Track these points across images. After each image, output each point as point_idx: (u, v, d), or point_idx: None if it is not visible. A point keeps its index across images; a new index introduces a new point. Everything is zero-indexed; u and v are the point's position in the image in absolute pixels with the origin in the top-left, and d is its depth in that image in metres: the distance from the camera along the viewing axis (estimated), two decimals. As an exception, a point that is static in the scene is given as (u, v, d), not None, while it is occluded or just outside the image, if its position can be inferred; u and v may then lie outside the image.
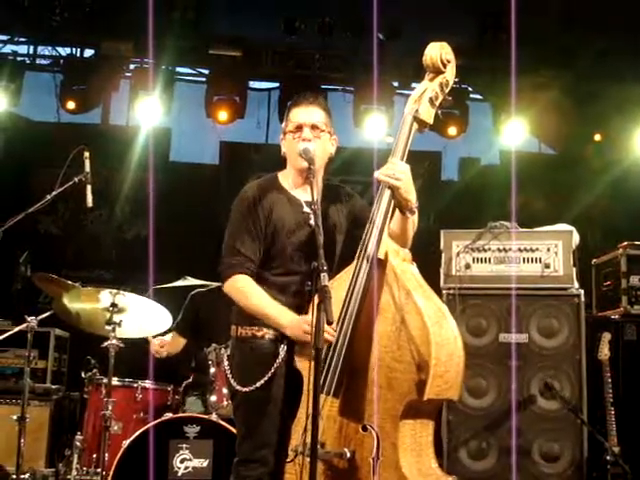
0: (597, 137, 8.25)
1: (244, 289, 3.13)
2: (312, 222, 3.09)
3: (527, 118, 7.81)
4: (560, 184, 8.64)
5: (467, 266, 4.93)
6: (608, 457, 4.56)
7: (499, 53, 6.71)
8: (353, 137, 8.14)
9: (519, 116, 7.72)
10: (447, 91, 3.11)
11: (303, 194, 3.23)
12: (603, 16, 6.88)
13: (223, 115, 7.64)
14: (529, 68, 7.36)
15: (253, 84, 8.06)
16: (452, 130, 7.87)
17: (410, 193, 3.02)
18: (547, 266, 4.84)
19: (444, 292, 4.85)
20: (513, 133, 7.86)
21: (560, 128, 8.28)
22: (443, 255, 4.98)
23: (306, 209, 3.19)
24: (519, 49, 6.03)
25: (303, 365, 3.02)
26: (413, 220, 3.09)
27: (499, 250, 4.93)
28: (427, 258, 5.06)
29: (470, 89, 8.27)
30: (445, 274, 4.94)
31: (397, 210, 3.05)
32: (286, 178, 3.29)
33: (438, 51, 3.04)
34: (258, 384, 3.06)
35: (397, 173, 2.98)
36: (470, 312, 4.85)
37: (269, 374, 3.07)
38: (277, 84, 7.95)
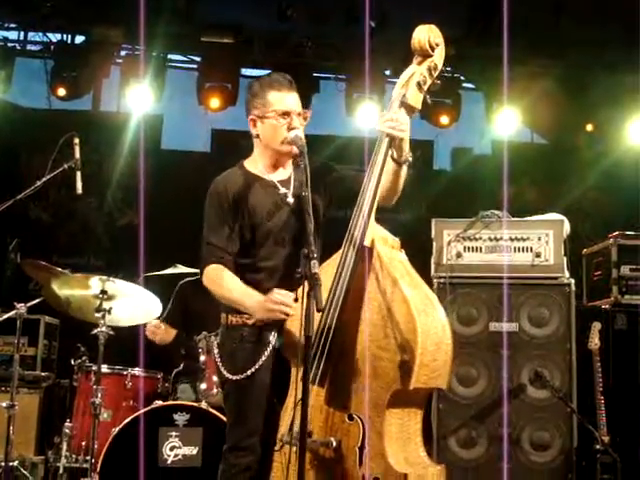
0: (589, 127, 8.24)
1: (216, 280, 3.14)
2: (289, 200, 3.16)
3: (519, 108, 7.80)
4: (552, 174, 8.65)
5: (458, 255, 4.93)
6: (597, 446, 4.58)
7: (491, 42, 6.69)
8: (345, 126, 8.13)
9: (511, 106, 7.71)
10: (436, 75, 3.03)
11: (275, 175, 3.24)
12: (596, 6, 6.87)
13: (215, 102, 7.61)
14: (522, 57, 7.35)
15: (245, 71, 8.01)
16: (444, 119, 7.86)
17: (407, 141, 3.00)
18: (538, 255, 4.84)
19: (435, 281, 4.85)
20: (505, 123, 7.85)
21: (552, 118, 8.27)
22: (434, 244, 4.98)
23: (282, 189, 3.20)
24: (511, 38, 6.01)
25: (292, 353, 3.01)
26: (404, 170, 3.07)
27: (490, 239, 4.93)
28: (418, 246, 5.10)
29: (462, 78, 8.24)
30: (436, 263, 4.94)
31: (391, 164, 3.01)
32: (254, 163, 3.27)
33: (426, 34, 2.98)
34: (249, 372, 3.06)
35: (401, 124, 2.95)
36: (461, 301, 4.85)
37: (259, 362, 3.06)
38: (269, 72, 7.90)
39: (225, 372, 3.14)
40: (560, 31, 7.30)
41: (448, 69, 7.81)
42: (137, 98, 7.51)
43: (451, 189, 8.50)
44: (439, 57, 3.05)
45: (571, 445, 4.68)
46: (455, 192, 8.41)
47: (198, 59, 8.09)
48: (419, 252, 5.03)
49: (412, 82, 3.00)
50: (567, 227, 4.93)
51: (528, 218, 5.02)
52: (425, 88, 3.03)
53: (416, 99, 3.02)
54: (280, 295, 2.99)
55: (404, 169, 3.06)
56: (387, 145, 2.96)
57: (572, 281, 4.83)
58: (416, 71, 3.02)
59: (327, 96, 8.06)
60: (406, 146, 3.01)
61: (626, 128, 7.76)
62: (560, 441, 4.69)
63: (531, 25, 7.10)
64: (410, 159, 3.04)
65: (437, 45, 3.02)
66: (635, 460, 4.68)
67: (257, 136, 3.23)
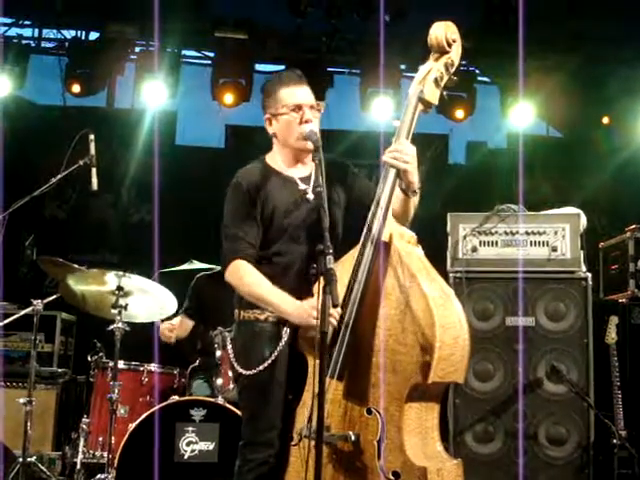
0: (605, 120, 8.21)
1: (245, 277, 3.11)
2: (309, 197, 3.15)
3: (535, 101, 7.77)
4: (568, 167, 8.61)
5: (474, 249, 4.90)
6: (615, 441, 4.56)
7: (507, 35, 6.65)
8: (360, 120, 8.11)
9: (527, 99, 7.68)
10: (452, 71, 3.05)
11: (296, 172, 3.23)
12: (612, 0, 6.83)
13: (229, 98, 7.61)
14: (537, 51, 7.31)
15: (259, 67, 8.01)
16: (459, 113, 7.83)
17: (415, 175, 3.01)
18: (554, 249, 4.81)
19: (450, 275, 4.83)
20: (521, 116, 7.82)
21: (568, 111, 8.23)
22: (450, 238, 4.96)
23: (302, 186, 3.19)
24: (527, 32, 5.98)
25: (307, 348, 3.01)
26: (414, 201, 3.08)
27: (506, 233, 4.90)
28: (433, 241, 5.09)
29: (477, 72, 8.21)
30: (452, 257, 4.92)
31: (399, 191, 3.02)
32: (275, 159, 3.26)
33: (443, 30, 2.99)
34: (262, 367, 3.06)
35: (404, 155, 2.96)
36: (477, 295, 4.83)
37: (272, 357, 3.06)
38: (283, 67, 7.91)
39: (239, 367, 3.13)
40: (576, 25, 7.27)
41: (463, 63, 7.78)
42: (151, 94, 7.53)
43: (466, 183, 8.48)
44: (456, 53, 3.06)
45: (588, 440, 4.65)
46: (470, 186, 8.39)
47: (212, 55, 8.10)
48: (435, 246, 5.03)
49: (429, 78, 3.02)
50: (584, 221, 4.90)
51: (544, 212, 5.00)
52: (442, 84, 3.05)
53: (433, 95, 3.03)
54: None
55: (413, 200, 3.07)
56: (395, 174, 2.97)
57: (589, 275, 4.80)
58: (433, 67, 3.03)
59: (342, 91, 8.05)
60: (413, 177, 3.00)
61: (640, 122, 7.72)
62: (577, 436, 4.66)
63: (547, 19, 7.06)
64: (418, 190, 3.04)
65: (454, 41, 3.03)
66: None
67: (274, 135, 3.23)
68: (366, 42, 7.43)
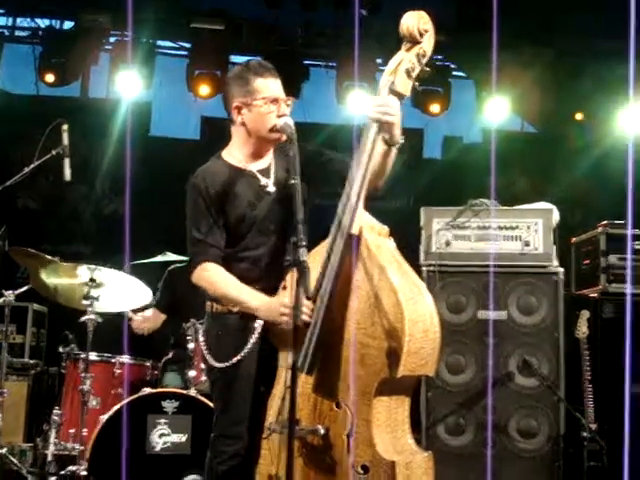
0: (579, 116, 8.25)
1: (212, 278, 3.11)
2: (270, 189, 3.15)
3: (509, 96, 7.80)
4: (542, 163, 8.66)
5: (447, 243, 4.93)
6: (585, 434, 4.60)
7: (482, 30, 6.67)
8: (336, 113, 8.11)
9: (501, 94, 7.71)
10: (425, 62, 3.00)
11: (255, 165, 3.21)
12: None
13: (204, 89, 7.58)
14: (512, 45, 7.34)
15: (235, 58, 7.98)
16: (435, 108, 7.86)
17: (399, 127, 2.98)
18: (527, 244, 4.85)
19: (423, 269, 4.85)
20: (495, 111, 7.85)
21: (542, 107, 8.27)
22: (423, 232, 4.98)
23: (262, 179, 3.18)
24: (502, 26, 5.99)
25: (279, 341, 3.01)
26: (393, 156, 3.05)
27: (479, 227, 4.93)
28: (407, 234, 5.10)
29: (453, 66, 8.23)
30: (425, 251, 4.94)
31: (381, 146, 2.98)
32: (232, 154, 3.23)
33: (415, 20, 2.94)
34: (234, 360, 3.05)
35: (390, 109, 2.93)
36: (449, 289, 4.86)
37: (244, 350, 3.05)
38: (259, 59, 7.88)
39: (211, 360, 3.13)
40: (551, 19, 7.30)
41: (439, 57, 7.81)
42: (126, 85, 7.47)
43: (441, 177, 8.50)
44: (428, 44, 3.01)
45: (558, 433, 4.70)
46: (445, 180, 8.41)
47: (187, 46, 8.06)
48: (409, 240, 5.06)
49: (401, 69, 2.97)
50: (556, 216, 4.94)
51: (517, 207, 5.03)
52: (414, 75, 3.00)
53: (405, 86, 2.99)
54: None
55: (394, 151, 3.02)
56: (375, 131, 2.93)
57: (561, 270, 4.84)
58: (405, 58, 2.99)
59: (317, 84, 8.05)
60: (397, 130, 2.98)
61: (616, 117, 7.76)
62: (547, 429, 4.71)
63: (522, 13, 7.09)
64: (402, 141, 3.01)
65: (426, 31, 2.98)
66: (622, 448, 4.70)
67: (243, 124, 3.18)
68: (342, 35, 7.43)
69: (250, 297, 3.04)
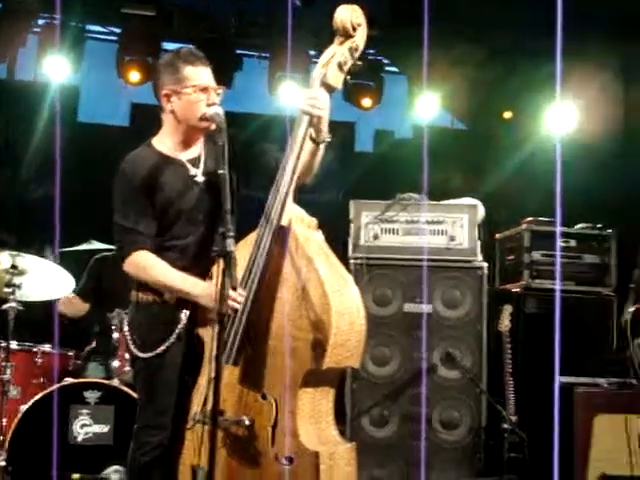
0: (507, 114, 8.38)
1: (147, 266, 3.08)
2: (199, 179, 3.13)
3: (440, 93, 7.88)
4: (471, 160, 8.78)
5: (375, 236, 4.98)
6: (505, 425, 4.70)
7: (415, 25, 6.72)
8: (268, 104, 8.08)
9: (432, 90, 7.78)
10: (357, 56, 3.04)
11: (184, 154, 3.19)
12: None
13: (135, 76, 7.45)
14: (444, 42, 7.40)
15: (166, 45, 7.86)
16: (366, 102, 7.88)
17: (327, 124, 3.01)
18: (452, 239, 4.94)
19: (351, 262, 4.90)
20: (425, 107, 7.92)
21: (472, 104, 8.38)
22: (352, 225, 5.02)
23: (191, 169, 3.16)
24: (435, 23, 6.04)
25: (205, 332, 2.99)
26: (321, 153, 3.08)
27: (407, 222, 5.00)
28: (338, 227, 5.13)
29: (386, 61, 8.27)
30: (353, 244, 4.99)
31: (309, 143, 3.01)
32: (163, 142, 3.21)
33: (349, 14, 2.97)
34: (159, 350, 3.03)
35: (319, 102, 2.96)
36: (376, 282, 4.91)
37: (170, 340, 3.03)
38: (190, 47, 7.79)
39: (135, 350, 3.09)
40: (483, 17, 7.39)
41: (372, 52, 7.84)
42: (54, 69, 7.30)
43: (373, 171, 8.55)
44: (361, 38, 3.05)
45: (480, 424, 4.81)
46: (377, 174, 8.46)
47: (118, 31, 7.91)
48: (339, 233, 5.09)
49: (333, 62, 3.00)
50: (481, 211, 5.04)
51: (444, 202, 5.11)
52: (346, 69, 3.03)
53: (337, 79, 3.02)
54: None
55: (321, 149, 3.06)
56: (307, 124, 2.96)
57: (485, 264, 4.94)
58: (337, 51, 3.02)
59: (250, 74, 7.99)
60: (325, 126, 3.01)
61: (543, 116, 7.91)
62: (469, 420, 4.81)
63: (455, 10, 7.16)
64: (328, 139, 3.04)
65: (359, 25, 3.01)
66: (542, 439, 4.81)
67: (172, 112, 3.15)
68: (275, 26, 7.39)
69: (191, 284, 3.02)
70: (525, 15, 7.08)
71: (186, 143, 3.20)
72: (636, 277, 3.88)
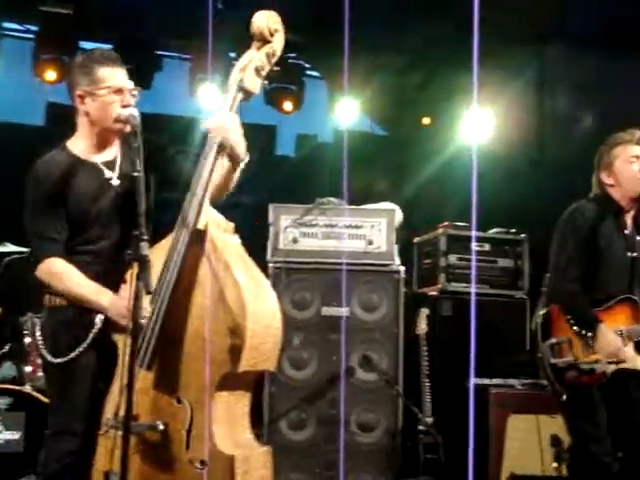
0: (426, 121, 8.51)
1: (58, 274, 3.02)
2: (114, 182, 3.09)
3: (360, 98, 7.95)
4: (391, 165, 8.88)
5: (294, 240, 4.99)
6: (421, 427, 4.78)
7: (337, 31, 6.76)
8: (188, 106, 8.02)
9: (352, 95, 7.85)
10: (274, 61, 3.07)
11: (100, 157, 3.15)
12: (434, 1, 7.08)
13: (51, 75, 7.30)
14: (365, 48, 7.47)
15: (84, 44, 7.73)
16: (288, 105, 7.91)
17: (241, 145, 3.01)
18: (370, 243, 4.99)
19: (270, 265, 4.89)
20: (346, 112, 7.99)
21: (392, 110, 8.49)
22: (271, 229, 5.02)
23: (106, 172, 3.12)
24: (356, 29, 6.09)
25: (119, 336, 2.95)
26: (237, 173, 3.09)
27: (326, 226, 5.02)
28: (258, 231, 5.13)
29: (307, 66, 8.31)
30: (272, 248, 4.99)
31: (226, 160, 3.01)
32: (77, 144, 3.16)
33: (266, 20, 3.01)
34: (72, 355, 2.98)
35: (227, 124, 2.96)
36: (295, 286, 4.93)
37: (83, 345, 2.98)
38: (109, 46, 7.68)
39: (47, 355, 3.03)
40: (402, 23, 7.48)
41: (293, 56, 7.86)
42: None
43: (294, 175, 8.58)
44: (278, 43, 3.07)
45: (396, 426, 4.87)
46: (298, 178, 8.49)
47: (35, 29, 7.74)
48: (259, 237, 5.08)
49: (250, 67, 3.02)
50: (399, 216, 5.10)
51: (362, 206, 5.16)
52: (263, 74, 3.05)
53: (254, 84, 3.04)
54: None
55: (237, 170, 3.07)
56: (217, 147, 2.95)
57: (402, 268, 5.00)
58: (255, 56, 3.04)
59: (171, 75, 7.92)
60: (239, 148, 3.00)
61: (460, 124, 8.05)
62: (386, 422, 4.86)
63: (375, 17, 7.23)
64: (246, 159, 3.04)
65: (276, 31, 3.05)
66: (457, 440, 4.90)
67: (86, 113, 3.10)
68: (197, 28, 7.33)
69: (99, 296, 2.98)
70: (445, 24, 7.20)
71: (101, 145, 3.15)
72: (547, 281, 3.98)
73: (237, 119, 3.00)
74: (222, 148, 2.97)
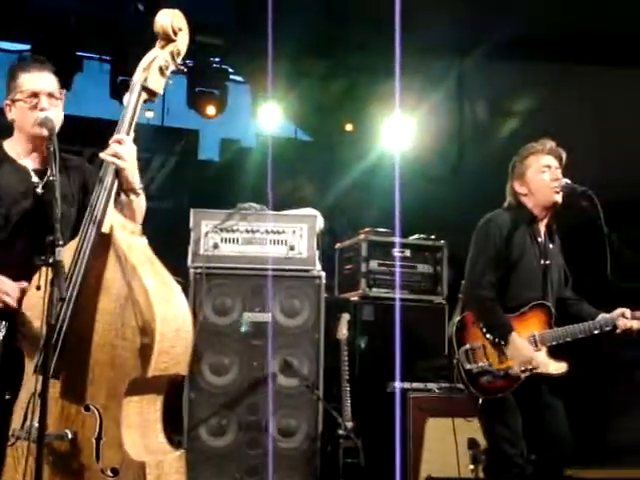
0: (349, 127, 8.54)
1: None
2: (39, 190, 3.03)
3: (284, 103, 7.96)
4: (314, 171, 8.92)
5: (215, 246, 4.96)
6: (340, 431, 4.80)
7: (261, 36, 6.77)
8: (110, 108, 7.90)
9: (275, 101, 7.85)
10: (179, 60, 3.03)
11: (31, 163, 3.12)
12: (360, 8, 7.13)
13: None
14: (290, 54, 7.49)
15: (3, 45, 7.56)
16: (210, 109, 7.86)
17: (135, 175, 2.93)
18: (292, 248, 4.99)
19: (191, 271, 4.85)
20: (269, 117, 7.98)
21: (316, 116, 8.52)
22: (192, 234, 4.98)
23: (34, 178, 3.08)
24: (281, 33, 6.11)
25: (25, 344, 2.87)
26: (140, 200, 3.00)
27: (247, 231, 5.01)
28: (179, 236, 5.08)
29: (231, 70, 8.28)
30: (193, 253, 4.94)
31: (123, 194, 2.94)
32: (13, 146, 3.14)
33: (169, 18, 2.96)
34: (-24, 364, 2.89)
35: (122, 154, 2.86)
36: (216, 291, 4.89)
37: (-14, 354, 2.90)
38: (28, 47, 7.52)
39: (-50, 364, 2.94)
40: (329, 30, 7.52)
41: (216, 60, 7.83)
42: None
43: (217, 180, 8.54)
44: (183, 42, 3.03)
45: (316, 431, 4.87)
46: (221, 183, 8.45)
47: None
48: (180, 241, 5.03)
49: (154, 66, 2.97)
50: (321, 222, 5.12)
51: (283, 212, 5.16)
52: (168, 73, 3.01)
53: (158, 83, 2.99)
54: (5, 284, 2.90)
55: (139, 200, 2.98)
56: (114, 172, 2.86)
57: (323, 274, 5.02)
58: (159, 55, 2.99)
59: (92, 77, 7.79)
60: (132, 177, 2.90)
61: (382, 131, 8.13)
62: (306, 427, 4.87)
63: (301, 22, 7.25)
64: (140, 191, 2.95)
65: (180, 30, 3.00)
66: (376, 444, 4.95)
67: (13, 121, 3.10)
68: (117, 28, 7.25)
69: None
70: (370, 33, 7.28)
71: (33, 152, 3.12)
72: (463, 287, 4.05)
73: (134, 149, 2.91)
74: (117, 173, 2.88)
